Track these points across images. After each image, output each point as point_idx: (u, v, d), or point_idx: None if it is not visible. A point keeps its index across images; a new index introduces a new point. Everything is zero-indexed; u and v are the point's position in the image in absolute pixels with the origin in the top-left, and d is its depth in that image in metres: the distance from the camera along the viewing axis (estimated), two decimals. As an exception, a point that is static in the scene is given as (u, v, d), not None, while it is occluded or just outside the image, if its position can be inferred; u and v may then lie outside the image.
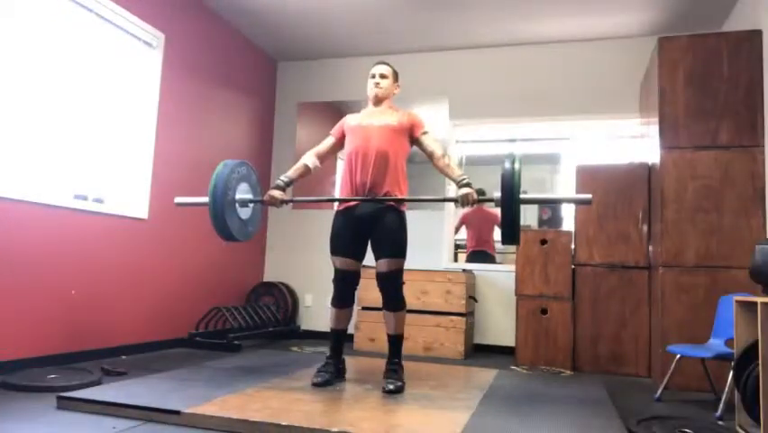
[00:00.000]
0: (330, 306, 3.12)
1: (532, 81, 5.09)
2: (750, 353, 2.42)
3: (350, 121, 3.18)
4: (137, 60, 4.02)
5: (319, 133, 5.61)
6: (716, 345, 3.14)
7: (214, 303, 4.71)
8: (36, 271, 3.21)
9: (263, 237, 5.65)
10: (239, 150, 5.26)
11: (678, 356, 3.13)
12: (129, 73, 3.96)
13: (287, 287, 5.41)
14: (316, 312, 5.36)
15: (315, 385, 2.86)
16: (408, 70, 5.57)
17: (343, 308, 3.09)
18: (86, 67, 3.61)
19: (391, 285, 2.98)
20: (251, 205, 3.19)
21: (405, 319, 3.09)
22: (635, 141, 4.79)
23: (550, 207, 5.24)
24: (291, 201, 3.22)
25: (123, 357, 3.74)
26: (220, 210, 2.95)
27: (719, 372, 3.19)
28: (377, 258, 2.99)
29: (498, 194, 2.67)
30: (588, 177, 4.33)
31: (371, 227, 3.01)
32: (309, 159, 3.20)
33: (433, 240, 5.10)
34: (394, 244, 2.97)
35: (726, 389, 2.78)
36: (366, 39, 5.22)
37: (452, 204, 5.25)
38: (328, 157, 3.27)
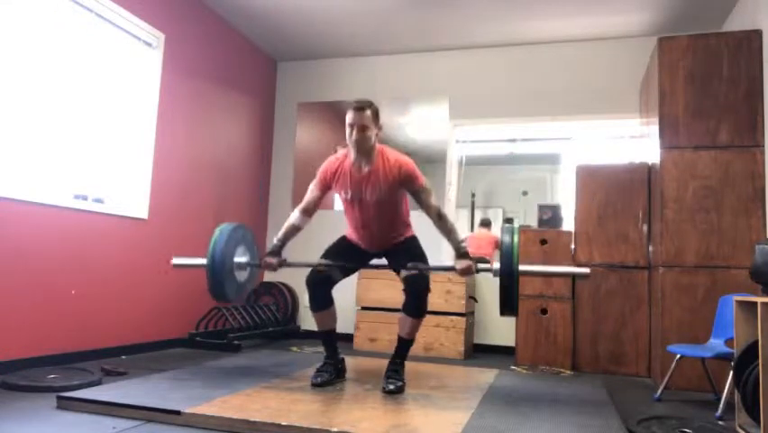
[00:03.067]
0: (311, 311, 3.07)
1: (532, 81, 5.08)
2: (750, 353, 2.42)
3: (335, 181, 2.95)
4: (137, 60, 4.02)
5: (319, 134, 5.65)
6: (716, 344, 3.14)
7: (214, 303, 4.71)
8: (36, 270, 3.21)
9: (263, 237, 5.65)
10: (239, 150, 5.26)
11: (678, 356, 3.13)
12: (129, 73, 3.96)
13: (286, 287, 5.41)
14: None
15: (315, 386, 2.86)
16: (408, 70, 5.60)
17: (325, 310, 3.03)
18: (87, 67, 3.61)
19: (419, 287, 2.86)
20: (248, 268, 3.18)
21: (420, 326, 2.99)
22: (635, 141, 4.79)
23: (550, 207, 5.24)
24: (288, 265, 3.11)
25: (124, 357, 3.74)
26: (219, 278, 2.95)
27: (719, 372, 3.19)
28: (400, 267, 2.91)
29: (496, 265, 2.66)
30: (588, 177, 4.33)
31: (386, 253, 3.07)
32: (297, 219, 3.04)
33: (433, 240, 5.09)
34: (416, 255, 2.97)
35: (726, 389, 2.78)
36: (366, 39, 5.22)
37: (452, 207, 5.26)
38: (315, 209, 3.07)
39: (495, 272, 2.67)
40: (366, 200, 2.90)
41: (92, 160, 3.67)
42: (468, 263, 2.74)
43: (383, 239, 3.03)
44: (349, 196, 2.94)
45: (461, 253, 2.78)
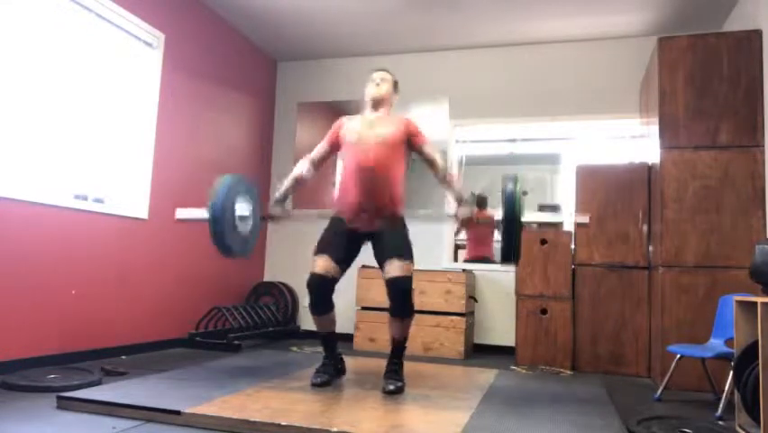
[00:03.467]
0: (310, 313, 3.03)
1: (532, 81, 5.09)
2: (750, 353, 2.42)
3: (346, 128, 3.08)
4: (137, 60, 4.02)
5: (319, 134, 5.63)
6: (716, 344, 3.14)
7: (214, 303, 4.71)
8: (36, 271, 3.21)
9: (263, 237, 5.65)
10: (239, 150, 5.26)
11: (678, 356, 3.14)
12: (129, 73, 3.96)
13: (286, 287, 5.41)
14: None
15: (315, 386, 2.86)
16: (408, 70, 5.58)
17: (325, 315, 3.00)
18: (87, 67, 3.61)
19: (401, 290, 2.85)
20: (251, 221, 3.14)
21: (411, 324, 3.01)
22: (635, 141, 4.79)
23: (550, 207, 5.24)
24: (290, 216, 3.15)
25: (123, 357, 3.74)
26: (220, 228, 2.89)
27: (719, 372, 3.19)
28: (383, 264, 2.90)
29: (498, 216, 2.66)
30: (588, 177, 4.33)
31: (372, 237, 2.99)
32: (303, 167, 3.13)
33: (433, 240, 5.11)
34: (400, 247, 2.90)
35: (727, 389, 2.78)
36: (366, 39, 5.22)
37: (452, 204, 5.26)
38: (322, 164, 3.18)
39: (497, 224, 2.69)
40: (371, 143, 2.94)
41: (92, 160, 3.67)
42: (468, 211, 2.85)
43: (377, 200, 2.92)
44: (355, 137, 2.99)
45: (461, 202, 2.87)
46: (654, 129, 3.87)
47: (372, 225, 2.96)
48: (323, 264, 2.93)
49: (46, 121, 3.35)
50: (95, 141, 3.69)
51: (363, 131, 3.01)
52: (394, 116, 3.11)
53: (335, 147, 3.14)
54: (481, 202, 5.61)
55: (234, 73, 5.13)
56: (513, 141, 5.50)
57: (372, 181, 2.92)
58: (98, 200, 3.69)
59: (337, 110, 5.51)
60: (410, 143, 3.05)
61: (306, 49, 5.51)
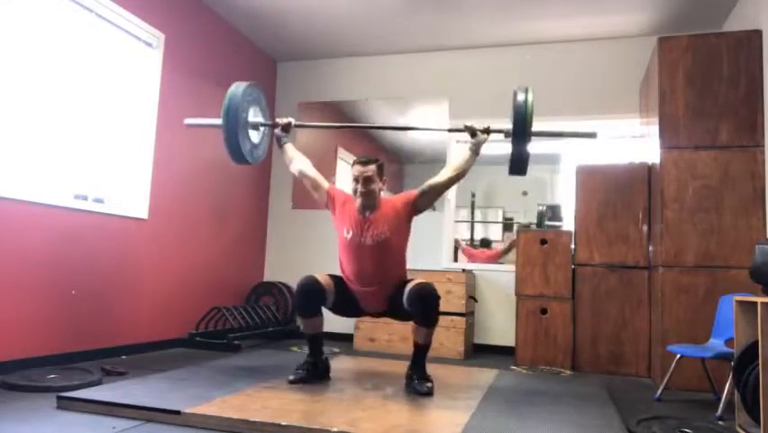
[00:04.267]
0: (298, 315, 3.09)
1: (532, 81, 5.00)
2: (750, 353, 2.42)
3: (340, 209, 3.06)
4: (137, 60, 4.02)
5: (319, 134, 5.64)
6: (716, 344, 3.14)
7: (214, 303, 4.71)
8: (36, 271, 3.21)
9: (263, 237, 5.65)
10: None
11: (678, 356, 3.13)
12: (129, 73, 3.96)
13: (286, 287, 5.41)
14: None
15: (291, 383, 2.87)
16: (408, 70, 5.60)
17: (312, 317, 3.01)
18: (87, 67, 3.61)
19: (429, 295, 2.84)
20: (261, 129, 3.22)
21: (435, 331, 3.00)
22: (635, 141, 4.79)
23: (551, 207, 5.24)
24: (301, 126, 3.39)
25: (123, 357, 3.74)
26: (233, 132, 2.94)
27: (719, 372, 3.19)
28: (404, 300, 2.91)
29: (509, 126, 2.74)
30: (588, 177, 4.34)
31: (382, 313, 3.09)
32: (297, 157, 3.26)
33: (433, 240, 5.11)
34: (404, 285, 2.95)
35: (727, 389, 2.78)
36: (366, 39, 5.22)
37: (452, 207, 5.26)
38: (304, 177, 3.24)
39: (507, 132, 2.72)
40: (366, 244, 2.93)
41: (92, 159, 3.67)
42: (480, 138, 3.01)
43: (376, 295, 3.00)
44: (349, 236, 2.97)
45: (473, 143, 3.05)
46: (654, 129, 3.87)
47: (379, 306, 3.05)
48: (325, 280, 2.99)
49: (46, 121, 3.35)
50: (95, 141, 3.69)
51: (356, 231, 2.97)
52: (388, 207, 3.01)
53: (322, 199, 3.17)
54: (486, 244, 5.64)
55: (234, 73, 5.12)
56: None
57: (373, 281, 2.97)
58: (98, 200, 3.69)
59: (337, 110, 5.53)
60: (415, 208, 3.03)
61: (305, 49, 5.51)
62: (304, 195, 5.63)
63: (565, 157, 5.35)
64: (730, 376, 2.69)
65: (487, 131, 3.04)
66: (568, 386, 3.33)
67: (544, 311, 4.27)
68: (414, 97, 5.38)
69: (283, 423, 2.14)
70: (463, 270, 4.73)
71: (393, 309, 3.04)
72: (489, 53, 5.27)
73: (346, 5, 4.58)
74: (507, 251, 5.41)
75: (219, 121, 3.02)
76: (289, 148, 3.32)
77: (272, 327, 4.94)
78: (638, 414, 2.69)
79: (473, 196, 5.69)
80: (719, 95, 3.66)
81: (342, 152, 5.60)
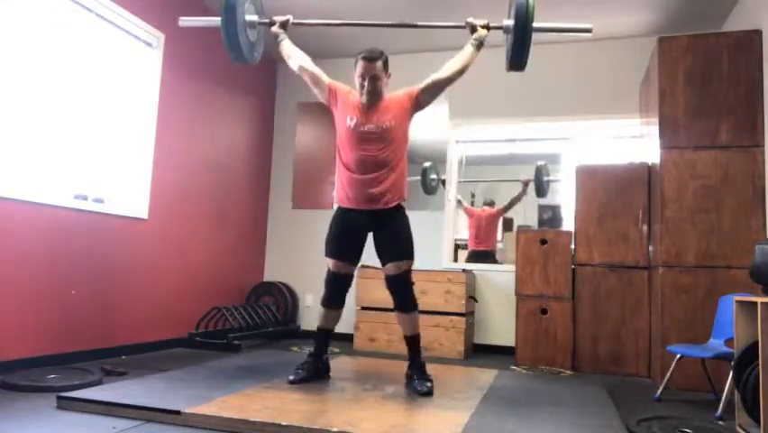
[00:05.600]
0: (320, 305, 3.08)
1: (532, 81, 5.07)
2: (750, 353, 2.42)
3: (342, 99, 3.03)
4: (137, 60, 4.02)
5: (319, 134, 5.64)
6: (716, 344, 3.14)
7: (215, 303, 4.71)
8: (36, 271, 3.21)
9: (263, 237, 5.65)
10: (239, 149, 5.26)
11: (678, 356, 3.14)
12: (129, 73, 3.96)
13: (287, 287, 5.41)
14: (316, 312, 5.31)
15: (291, 383, 2.87)
16: (408, 70, 5.55)
17: (333, 309, 3.06)
18: (87, 67, 3.61)
19: (402, 287, 2.93)
20: (257, 28, 3.21)
21: (419, 319, 3.04)
22: (635, 141, 4.79)
23: (550, 207, 5.24)
24: (300, 23, 3.33)
25: (123, 357, 3.74)
26: (233, 29, 2.92)
27: (719, 372, 3.19)
28: (384, 262, 2.95)
29: (509, 22, 2.83)
30: (587, 177, 4.34)
31: (374, 231, 2.99)
32: (298, 55, 3.26)
33: (432, 240, 5.10)
34: (401, 245, 2.94)
35: (726, 389, 2.78)
36: (365, 39, 5.16)
37: (452, 208, 5.26)
38: (306, 70, 3.23)
39: (505, 29, 2.82)
40: (370, 131, 2.91)
41: (92, 160, 3.67)
42: (480, 33, 3.16)
43: (378, 197, 2.92)
44: (353, 123, 2.94)
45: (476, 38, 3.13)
46: (654, 129, 3.87)
47: (374, 204, 2.94)
48: (337, 263, 3.00)
49: (46, 121, 3.35)
50: (95, 141, 3.69)
51: (361, 121, 2.95)
52: (392, 98, 3.03)
53: (323, 95, 3.14)
54: (489, 204, 5.64)
55: (234, 73, 5.13)
56: (513, 141, 5.50)
57: (373, 174, 2.91)
58: (98, 200, 3.69)
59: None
60: (417, 103, 3.05)
61: (305, 49, 5.41)
62: (303, 195, 5.64)
63: (565, 157, 5.35)
64: (730, 376, 2.69)
65: (486, 27, 3.15)
66: (568, 386, 3.33)
67: (543, 311, 4.27)
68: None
69: (283, 423, 2.14)
70: (463, 270, 4.73)
71: (381, 232, 2.98)
72: (489, 53, 5.24)
73: (346, 5, 4.59)
74: (508, 208, 5.44)
75: (217, 20, 2.99)
76: (287, 45, 3.27)
77: (272, 327, 4.94)
78: (638, 414, 2.70)
79: (473, 196, 5.69)
80: (719, 95, 3.66)
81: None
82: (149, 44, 4.10)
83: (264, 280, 5.58)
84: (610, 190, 4.25)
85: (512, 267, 4.56)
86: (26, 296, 3.15)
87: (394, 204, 2.97)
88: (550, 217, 5.11)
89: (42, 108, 3.32)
